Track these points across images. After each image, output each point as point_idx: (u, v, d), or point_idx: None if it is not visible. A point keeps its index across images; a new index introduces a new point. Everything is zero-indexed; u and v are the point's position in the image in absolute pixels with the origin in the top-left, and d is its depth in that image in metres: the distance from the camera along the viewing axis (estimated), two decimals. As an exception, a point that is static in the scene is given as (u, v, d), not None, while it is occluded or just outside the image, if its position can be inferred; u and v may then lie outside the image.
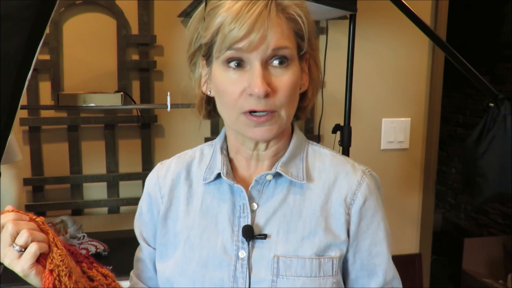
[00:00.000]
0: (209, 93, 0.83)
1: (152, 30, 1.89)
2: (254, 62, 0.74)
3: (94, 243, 1.65)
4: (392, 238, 0.88)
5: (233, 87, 0.75)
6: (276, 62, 0.75)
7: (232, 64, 0.75)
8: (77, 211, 1.91)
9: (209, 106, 0.86)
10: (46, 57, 1.81)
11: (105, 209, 1.95)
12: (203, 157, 0.90)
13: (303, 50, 0.79)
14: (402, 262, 2.25)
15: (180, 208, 0.87)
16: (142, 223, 0.93)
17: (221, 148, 0.87)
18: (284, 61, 0.75)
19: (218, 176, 0.84)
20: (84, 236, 1.68)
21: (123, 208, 1.95)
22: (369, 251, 0.84)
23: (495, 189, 1.60)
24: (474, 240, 3.05)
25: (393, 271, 0.86)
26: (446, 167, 4.20)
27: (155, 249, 0.91)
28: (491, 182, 1.59)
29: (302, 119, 0.91)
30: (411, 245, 2.25)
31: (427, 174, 2.21)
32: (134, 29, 1.87)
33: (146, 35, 1.87)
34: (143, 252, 0.94)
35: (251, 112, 0.75)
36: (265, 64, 0.75)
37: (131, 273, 0.98)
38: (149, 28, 1.88)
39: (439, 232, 4.16)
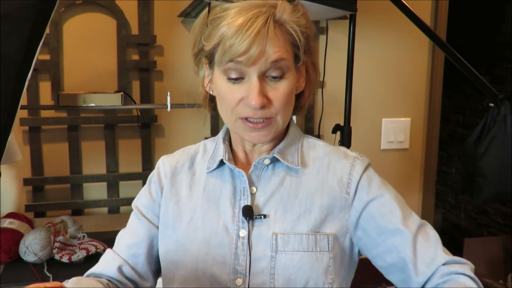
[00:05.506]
0: (211, 92, 0.89)
1: (152, 30, 1.89)
2: (252, 75, 0.78)
3: (94, 243, 1.64)
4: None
5: (231, 96, 0.81)
6: (273, 74, 0.79)
7: (232, 74, 0.80)
8: (77, 211, 1.91)
9: (213, 103, 0.91)
10: (46, 57, 1.81)
11: (105, 209, 1.95)
12: (206, 150, 0.95)
13: (300, 59, 0.84)
14: (402, 262, 2.25)
15: (182, 193, 0.91)
16: (144, 197, 0.94)
17: (224, 139, 0.93)
18: (280, 72, 0.80)
19: (221, 163, 0.89)
20: (84, 236, 1.68)
21: (123, 208, 1.95)
22: (380, 212, 0.85)
23: (495, 189, 1.59)
24: (474, 240, 3.05)
25: (417, 222, 0.88)
26: (446, 167, 4.20)
27: (155, 226, 0.92)
28: (491, 182, 1.59)
29: (299, 115, 0.95)
30: (411, 245, 2.25)
31: (427, 174, 2.21)
32: (134, 29, 1.87)
33: (146, 35, 1.87)
34: (140, 228, 0.92)
35: (248, 118, 0.81)
36: (262, 76, 0.79)
37: (112, 252, 0.93)
38: (149, 28, 1.88)
39: (439, 232, 4.14)
